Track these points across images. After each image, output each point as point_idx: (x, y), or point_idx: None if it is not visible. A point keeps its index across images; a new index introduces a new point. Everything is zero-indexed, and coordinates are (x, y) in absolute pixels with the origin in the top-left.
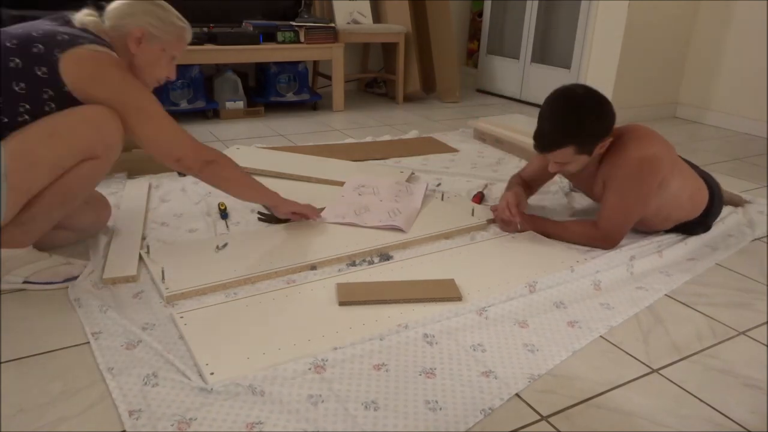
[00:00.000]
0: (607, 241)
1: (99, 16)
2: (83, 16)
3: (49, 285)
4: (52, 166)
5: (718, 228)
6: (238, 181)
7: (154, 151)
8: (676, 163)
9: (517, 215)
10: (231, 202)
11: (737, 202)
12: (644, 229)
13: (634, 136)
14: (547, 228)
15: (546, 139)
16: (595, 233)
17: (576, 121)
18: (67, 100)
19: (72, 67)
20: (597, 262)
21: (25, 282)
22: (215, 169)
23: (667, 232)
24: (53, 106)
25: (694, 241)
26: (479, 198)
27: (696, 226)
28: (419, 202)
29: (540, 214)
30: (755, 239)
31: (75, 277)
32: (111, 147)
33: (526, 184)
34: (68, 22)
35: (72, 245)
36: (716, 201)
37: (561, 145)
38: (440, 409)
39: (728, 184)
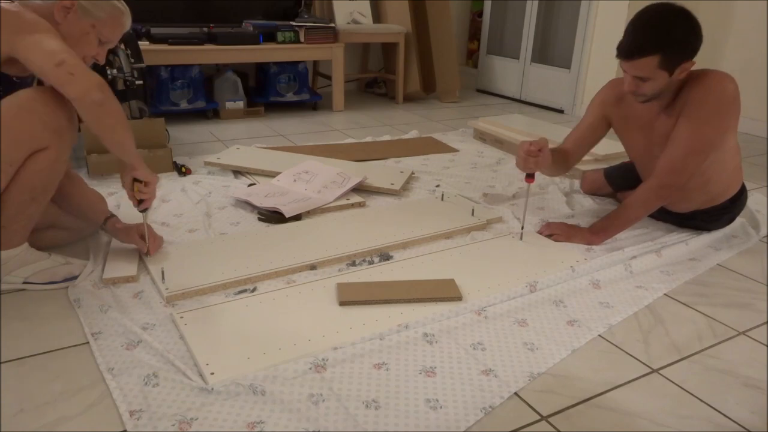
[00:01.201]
0: (673, 176)
1: None
2: None
3: (49, 285)
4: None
5: (722, 229)
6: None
7: (35, 56)
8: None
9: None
10: (229, 202)
11: None
12: (675, 200)
13: (716, 72)
14: (610, 223)
15: (632, 44)
16: (657, 181)
17: (666, 28)
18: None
19: None
20: (597, 261)
21: (25, 282)
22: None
23: (689, 220)
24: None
25: (696, 242)
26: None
27: (722, 213)
28: (332, 197)
29: (539, 215)
30: (760, 240)
31: (75, 277)
32: (59, 132)
33: (565, 153)
34: None
35: (72, 245)
36: (744, 188)
37: (647, 51)
38: (441, 407)
39: None
